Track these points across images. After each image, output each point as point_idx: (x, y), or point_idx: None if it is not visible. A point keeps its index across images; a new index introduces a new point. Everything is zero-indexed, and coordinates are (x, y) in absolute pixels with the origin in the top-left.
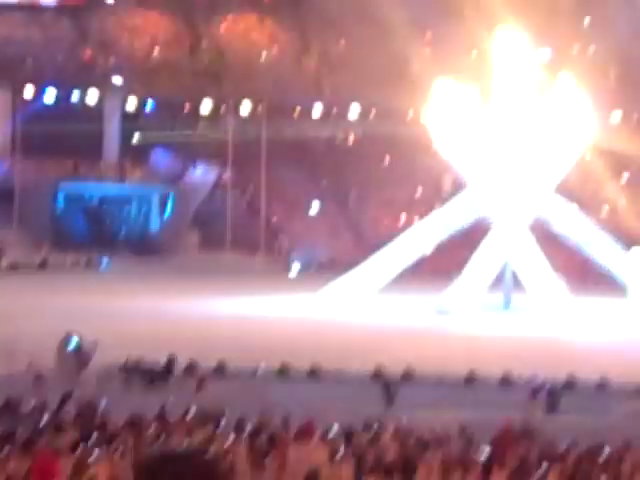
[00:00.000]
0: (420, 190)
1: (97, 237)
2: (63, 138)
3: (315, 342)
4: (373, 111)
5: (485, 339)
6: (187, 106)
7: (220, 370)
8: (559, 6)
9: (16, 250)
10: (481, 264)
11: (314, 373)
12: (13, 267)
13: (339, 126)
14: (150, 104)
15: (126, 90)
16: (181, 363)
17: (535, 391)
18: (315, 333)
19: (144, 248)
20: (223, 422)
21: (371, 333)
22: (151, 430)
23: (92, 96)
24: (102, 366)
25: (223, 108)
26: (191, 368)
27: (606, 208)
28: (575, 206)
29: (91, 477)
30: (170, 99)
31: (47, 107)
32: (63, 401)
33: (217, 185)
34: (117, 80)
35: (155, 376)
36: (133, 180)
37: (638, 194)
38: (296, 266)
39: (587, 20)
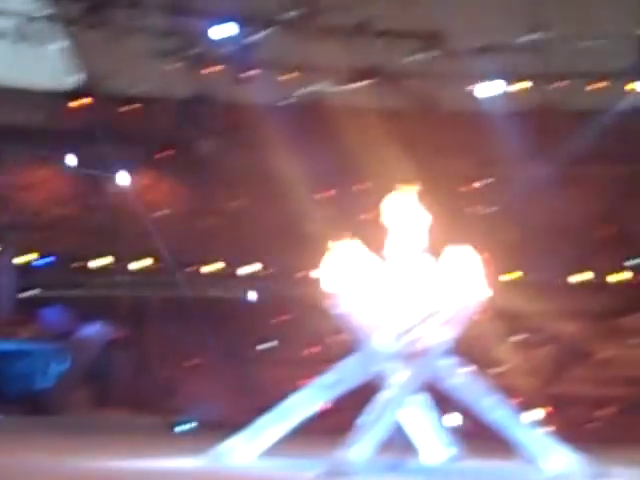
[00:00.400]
0: (311, 350)
1: None
2: None
3: None
4: (269, 270)
5: None
6: (79, 263)
7: None
8: (456, 166)
9: None
10: (372, 423)
11: None
12: None
13: (233, 285)
14: (43, 260)
15: (19, 245)
16: None
17: None
18: None
19: (33, 406)
20: None
21: None
22: None
23: None
24: None
25: (116, 266)
26: None
27: (501, 369)
28: (470, 367)
29: None
30: (64, 256)
31: None
32: None
33: (109, 342)
34: (10, 235)
35: None
36: (24, 337)
37: (532, 355)
38: (186, 425)
39: (483, 183)
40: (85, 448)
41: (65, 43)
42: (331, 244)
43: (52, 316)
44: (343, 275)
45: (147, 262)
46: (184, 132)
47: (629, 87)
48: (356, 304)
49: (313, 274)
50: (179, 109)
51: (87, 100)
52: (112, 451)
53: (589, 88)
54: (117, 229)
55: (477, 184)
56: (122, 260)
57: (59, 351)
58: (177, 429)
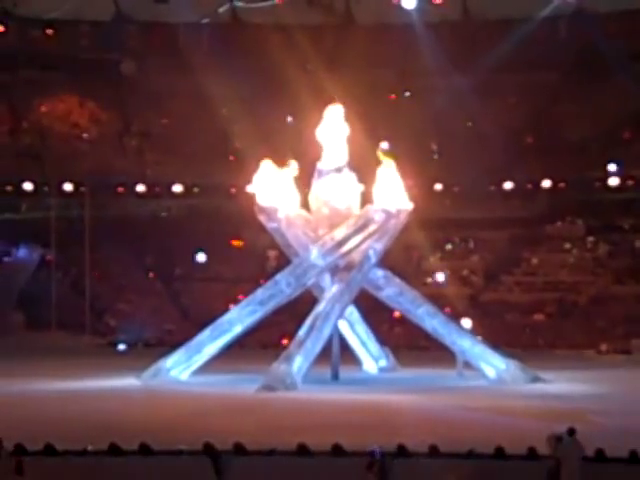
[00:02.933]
0: (246, 265)
1: None
2: None
3: (142, 420)
4: (197, 187)
5: (314, 411)
6: (9, 187)
7: (49, 451)
8: (378, 78)
9: None
10: (308, 337)
11: (144, 450)
12: None
13: (163, 203)
14: None
15: None
16: (7, 445)
17: (366, 460)
18: (141, 412)
19: None
20: None
21: (198, 409)
22: None
23: None
24: None
25: (45, 188)
26: (19, 449)
27: (430, 279)
28: (401, 278)
29: None
30: None
31: None
32: None
33: (41, 265)
34: None
35: None
36: None
37: (461, 264)
38: (122, 345)
39: (407, 94)
40: (22, 370)
41: None
42: (263, 161)
43: None
44: (276, 190)
45: (75, 184)
46: (105, 54)
47: None
48: (288, 218)
49: (246, 190)
50: (98, 31)
51: (4, 25)
52: (49, 373)
53: None
54: (44, 152)
55: (399, 96)
56: (49, 183)
57: None
58: (113, 349)
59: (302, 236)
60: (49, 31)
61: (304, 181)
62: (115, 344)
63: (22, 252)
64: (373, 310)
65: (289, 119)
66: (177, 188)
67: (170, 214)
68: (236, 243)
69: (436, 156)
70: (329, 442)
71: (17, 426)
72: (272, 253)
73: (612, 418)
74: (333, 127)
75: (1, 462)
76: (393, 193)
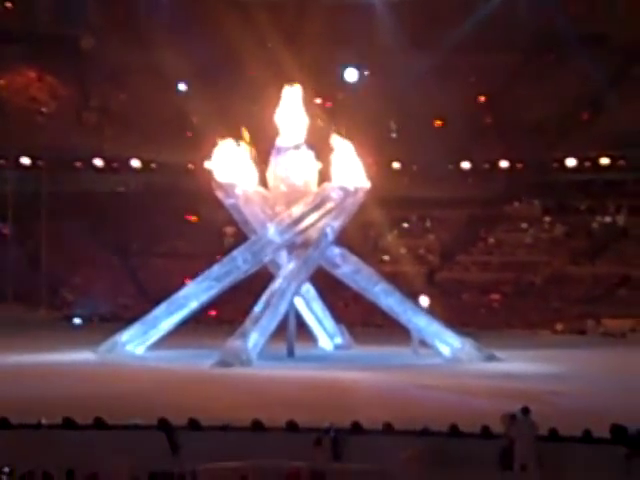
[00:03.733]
0: (202, 241)
1: None
2: None
3: (97, 395)
4: (155, 163)
5: (269, 387)
6: None
7: (3, 424)
8: (338, 57)
9: None
10: (263, 313)
11: (99, 424)
12: None
13: (121, 179)
14: None
15: None
16: None
17: (320, 437)
18: (97, 386)
19: None
20: (5, 477)
21: (154, 384)
22: None
23: None
24: None
25: (3, 162)
26: None
27: (387, 257)
28: (358, 255)
29: None
30: None
31: None
32: None
33: None
34: None
35: None
36: None
37: (417, 243)
38: (78, 319)
39: (366, 72)
40: None
41: None
42: (220, 138)
43: None
44: (234, 167)
45: (32, 158)
46: (65, 28)
47: None
48: (246, 195)
49: (203, 166)
50: (58, 5)
51: None
52: (4, 345)
53: None
54: (1, 126)
55: (359, 74)
56: (6, 156)
57: None
58: (69, 323)
59: (259, 213)
60: (8, 4)
61: (262, 158)
62: (71, 318)
63: None
64: (329, 287)
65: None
66: (135, 163)
67: (128, 189)
68: (192, 219)
69: (394, 135)
70: (284, 418)
71: None
72: (229, 229)
73: (566, 398)
74: (291, 107)
75: None
76: (351, 171)
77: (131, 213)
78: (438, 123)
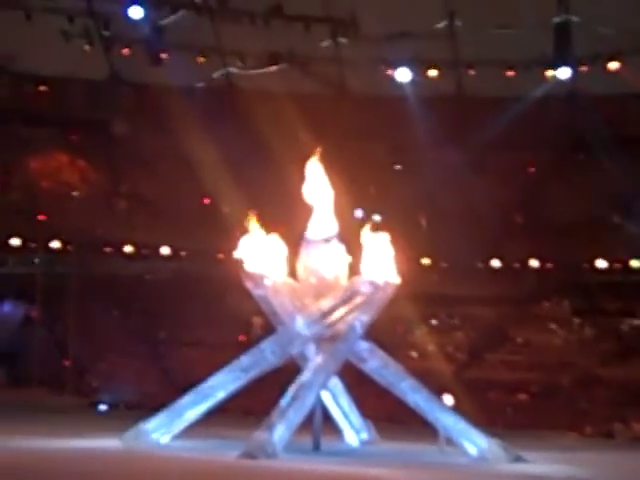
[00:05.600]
0: (230, 331)
1: None
2: None
3: None
4: (184, 251)
5: None
6: None
7: None
8: (370, 153)
9: None
10: (290, 406)
11: None
12: None
13: (150, 266)
14: None
15: None
16: None
17: None
18: (122, 475)
19: None
20: None
21: (178, 474)
22: None
23: None
24: None
25: (33, 245)
26: None
27: (415, 353)
28: (386, 350)
29: None
30: None
31: None
32: None
33: (24, 322)
34: None
35: None
36: None
37: (446, 340)
38: (103, 405)
39: (398, 167)
40: (3, 428)
41: None
42: (249, 227)
43: None
44: (263, 257)
45: (62, 241)
46: (97, 113)
47: (543, 75)
48: (275, 286)
49: (233, 255)
50: (92, 90)
51: None
52: (29, 430)
53: (503, 75)
54: (33, 209)
55: (390, 169)
56: (37, 239)
57: None
58: (95, 409)
59: (288, 305)
60: (42, 88)
61: (292, 249)
62: (96, 404)
63: (6, 308)
64: (356, 382)
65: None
66: (164, 251)
67: (156, 277)
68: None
69: (425, 230)
70: None
71: None
72: (257, 320)
73: None
74: (321, 196)
75: None
76: (381, 266)
77: (159, 300)
78: (468, 220)
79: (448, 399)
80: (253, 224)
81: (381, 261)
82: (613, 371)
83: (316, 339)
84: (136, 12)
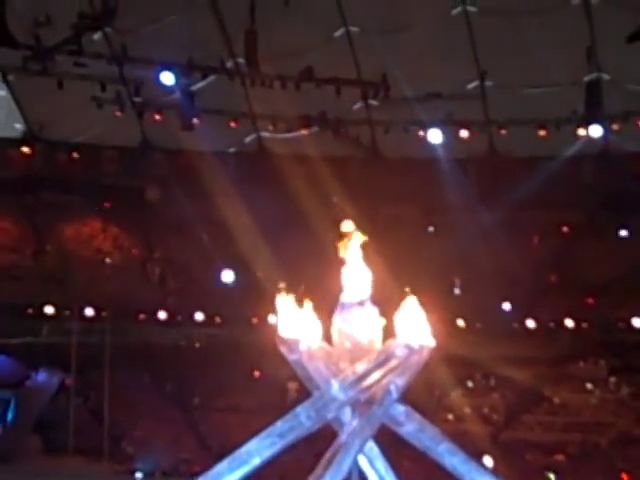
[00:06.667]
0: (265, 396)
1: None
2: None
3: None
4: (218, 317)
5: None
6: (30, 310)
7: None
8: (403, 214)
9: None
10: (327, 471)
11: None
12: None
13: (184, 332)
14: None
15: None
16: None
17: None
18: None
19: None
20: None
21: None
22: None
23: None
24: None
25: (67, 313)
26: None
27: (451, 415)
28: (422, 414)
29: None
30: (12, 303)
31: None
32: None
33: (60, 390)
34: None
35: None
36: None
37: (482, 402)
38: (139, 473)
39: (431, 229)
40: None
41: (6, 91)
42: (283, 291)
43: (2, 364)
44: (297, 322)
45: (96, 309)
46: (130, 179)
47: (574, 133)
48: (310, 351)
49: (267, 320)
50: (124, 156)
51: (30, 148)
52: None
53: (535, 134)
54: (66, 276)
55: (423, 230)
56: (71, 307)
57: (9, 400)
58: (131, 476)
59: (323, 369)
60: (75, 155)
61: (326, 313)
62: (133, 472)
63: (41, 376)
64: (392, 446)
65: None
66: (198, 317)
67: (190, 343)
68: (256, 374)
69: (458, 291)
70: None
71: None
72: (292, 385)
73: None
74: (355, 259)
75: None
76: (416, 328)
77: (194, 366)
78: (502, 281)
79: (487, 461)
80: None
81: (416, 324)
82: None
83: (352, 403)
84: (167, 78)
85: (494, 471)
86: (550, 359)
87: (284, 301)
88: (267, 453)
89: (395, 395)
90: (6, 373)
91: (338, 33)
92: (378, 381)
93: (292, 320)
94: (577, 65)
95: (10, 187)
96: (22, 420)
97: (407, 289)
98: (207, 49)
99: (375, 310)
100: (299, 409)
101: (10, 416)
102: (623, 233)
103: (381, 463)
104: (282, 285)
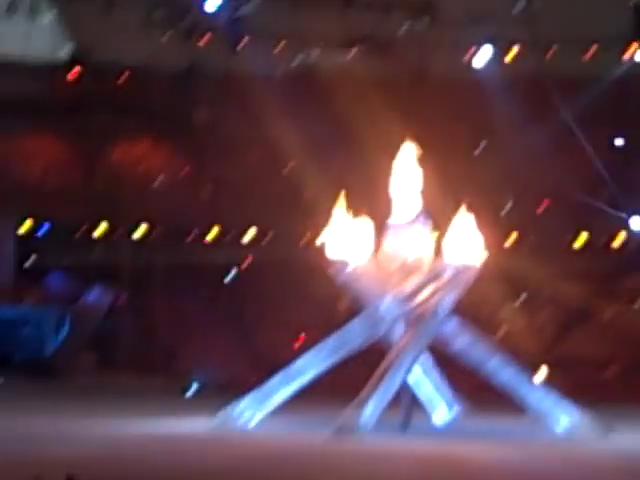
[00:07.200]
0: (316, 313)
1: None
2: None
3: (213, 466)
4: (269, 235)
5: (384, 459)
6: (82, 230)
7: None
8: (453, 136)
9: None
10: (379, 386)
11: None
12: None
13: (235, 250)
14: (44, 228)
15: (20, 215)
16: None
17: None
18: (212, 457)
19: (40, 371)
20: None
21: (268, 455)
22: None
23: None
24: None
25: (118, 231)
26: None
27: (502, 331)
28: (474, 328)
29: None
30: (65, 223)
31: None
32: None
33: (113, 307)
34: (11, 204)
35: None
36: (28, 303)
37: (534, 316)
38: (193, 388)
39: (482, 146)
40: (94, 412)
41: (57, 14)
42: (333, 210)
43: (56, 283)
44: (346, 241)
45: (147, 228)
46: (179, 101)
47: (623, 52)
48: (360, 268)
49: (316, 240)
50: (172, 79)
51: (80, 71)
52: (120, 414)
53: (583, 54)
54: (117, 196)
55: (473, 150)
56: (123, 226)
57: (64, 317)
58: (184, 391)
59: (374, 287)
60: (124, 77)
61: (375, 232)
62: (186, 388)
63: (95, 294)
64: (444, 360)
65: None
66: (249, 236)
67: (241, 261)
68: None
69: (510, 209)
70: None
71: (89, 466)
72: (343, 302)
73: None
74: (406, 178)
75: None
76: (467, 245)
77: (245, 284)
78: (553, 199)
79: (538, 375)
80: (340, 207)
81: (466, 241)
82: None
83: (402, 320)
84: (214, 1)
85: (546, 384)
86: (602, 274)
87: (334, 220)
88: (319, 368)
89: (446, 311)
90: (60, 290)
91: None
92: (429, 298)
93: (342, 239)
94: None
95: (59, 110)
96: (76, 337)
97: (463, 204)
98: None
99: (425, 228)
100: (350, 326)
101: (64, 333)
102: None
103: (434, 376)
104: (337, 203)
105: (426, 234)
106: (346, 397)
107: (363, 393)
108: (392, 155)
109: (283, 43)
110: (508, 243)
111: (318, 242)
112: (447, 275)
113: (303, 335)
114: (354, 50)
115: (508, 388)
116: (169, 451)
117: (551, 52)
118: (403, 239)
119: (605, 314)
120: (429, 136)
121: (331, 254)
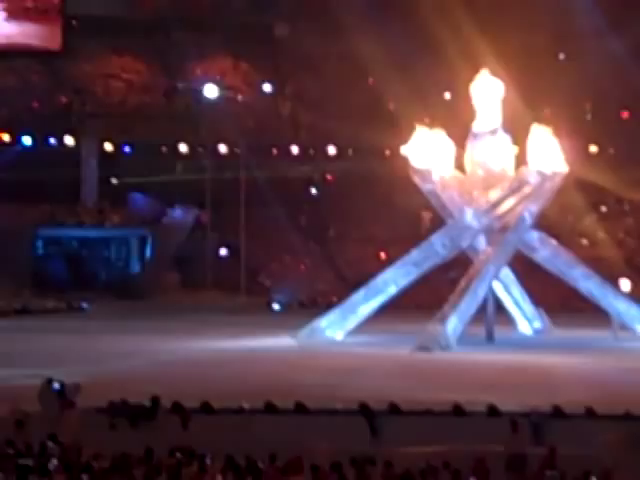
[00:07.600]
0: (399, 227)
1: (77, 281)
2: (41, 184)
3: (298, 380)
4: (350, 150)
5: (469, 371)
6: (164, 149)
7: (206, 408)
8: (534, 42)
9: None
10: (462, 298)
11: (300, 409)
12: None
13: (317, 165)
14: (127, 148)
15: (102, 135)
16: (165, 403)
17: (517, 422)
18: (297, 371)
19: (125, 290)
20: (209, 460)
21: (354, 369)
22: (138, 470)
23: (69, 141)
24: (86, 408)
25: (200, 150)
26: (176, 407)
27: (585, 241)
28: (554, 239)
29: None
30: (147, 143)
31: (24, 153)
32: (47, 444)
33: (196, 226)
34: (93, 125)
35: (140, 416)
36: (112, 223)
37: (616, 226)
38: (277, 305)
39: (562, 56)
40: (178, 330)
41: None
42: (417, 124)
43: (139, 202)
44: (430, 152)
45: (229, 145)
46: (259, 17)
47: None
48: (443, 180)
49: (399, 151)
50: None
51: None
52: (205, 332)
53: None
54: (199, 114)
55: (554, 58)
56: (204, 144)
57: (147, 236)
58: (268, 308)
59: (457, 198)
60: None
61: (459, 143)
62: (270, 304)
63: (178, 213)
64: (527, 271)
65: None
66: (331, 150)
67: (323, 176)
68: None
69: (590, 118)
70: (484, 402)
71: (175, 384)
72: (426, 214)
73: None
74: (487, 88)
75: (160, 418)
76: (548, 155)
77: (327, 199)
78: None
79: (623, 284)
80: (422, 125)
81: (548, 151)
82: None
83: (486, 231)
84: None
85: (630, 294)
86: None
87: (418, 131)
88: (403, 282)
89: (529, 221)
90: (143, 211)
91: None
92: (512, 208)
93: (425, 150)
94: None
95: (140, 28)
96: (160, 256)
97: (545, 111)
98: None
99: (507, 138)
100: (434, 238)
101: (148, 252)
102: None
103: (517, 289)
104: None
105: (508, 145)
106: (430, 311)
107: (446, 307)
108: (473, 66)
109: None
110: (589, 151)
111: (402, 152)
112: (534, 182)
113: (385, 250)
114: None
115: (592, 298)
116: (256, 366)
117: None
118: (487, 147)
119: None
120: (510, 45)
121: (416, 163)
